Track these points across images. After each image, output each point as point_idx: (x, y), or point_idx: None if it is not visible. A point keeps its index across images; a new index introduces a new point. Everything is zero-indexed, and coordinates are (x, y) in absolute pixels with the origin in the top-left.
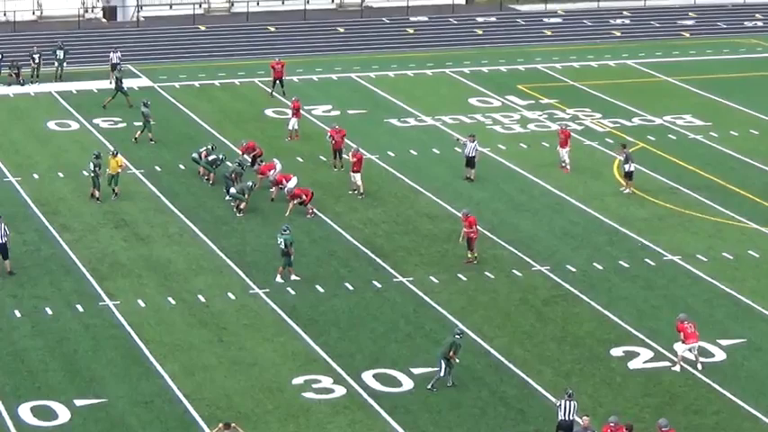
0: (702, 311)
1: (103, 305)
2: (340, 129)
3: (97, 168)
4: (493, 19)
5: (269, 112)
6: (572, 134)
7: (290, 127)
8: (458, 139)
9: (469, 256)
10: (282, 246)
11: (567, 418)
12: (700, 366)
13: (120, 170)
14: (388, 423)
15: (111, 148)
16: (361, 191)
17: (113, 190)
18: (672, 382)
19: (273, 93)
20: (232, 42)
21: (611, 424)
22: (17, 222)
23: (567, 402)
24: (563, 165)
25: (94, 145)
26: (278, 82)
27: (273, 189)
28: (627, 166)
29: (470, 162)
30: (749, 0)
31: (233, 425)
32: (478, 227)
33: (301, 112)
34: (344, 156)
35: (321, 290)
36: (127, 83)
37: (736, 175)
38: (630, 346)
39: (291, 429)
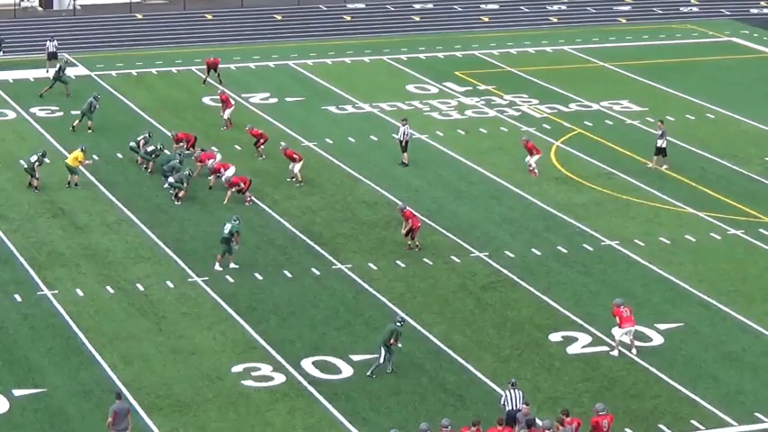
0: (640, 296)
1: (42, 294)
2: (252, 128)
3: (37, 164)
4: (430, 6)
5: (206, 100)
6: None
7: (225, 116)
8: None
9: (409, 243)
10: (227, 233)
11: (514, 408)
12: (634, 351)
13: (79, 164)
14: (328, 410)
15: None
16: (299, 179)
17: (70, 181)
18: (610, 366)
19: (207, 80)
20: (169, 30)
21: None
22: None
23: (512, 391)
24: (531, 169)
25: (31, 134)
26: (213, 71)
27: (212, 177)
28: (660, 142)
29: (403, 146)
30: None
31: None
32: (418, 214)
33: (231, 101)
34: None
35: (260, 278)
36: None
37: (673, 160)
38: (569, 331)
39: (231, 417)
